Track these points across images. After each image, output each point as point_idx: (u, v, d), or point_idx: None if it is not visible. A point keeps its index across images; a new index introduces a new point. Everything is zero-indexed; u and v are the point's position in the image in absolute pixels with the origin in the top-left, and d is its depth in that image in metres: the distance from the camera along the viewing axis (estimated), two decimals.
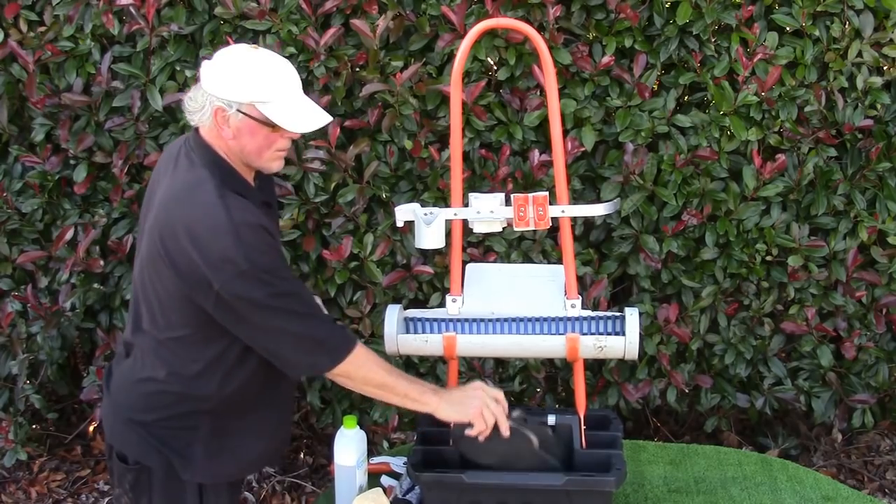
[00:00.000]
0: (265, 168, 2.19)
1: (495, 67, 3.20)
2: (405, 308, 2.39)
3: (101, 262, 3.25)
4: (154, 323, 2.19)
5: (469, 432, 2.24)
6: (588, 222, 3.27)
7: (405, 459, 2.55)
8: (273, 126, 2.10)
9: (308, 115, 2.13)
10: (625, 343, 2.22)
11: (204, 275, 2.04)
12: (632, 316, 2.24)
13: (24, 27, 3.20)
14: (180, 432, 2.23)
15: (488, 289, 2.34)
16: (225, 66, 2.09)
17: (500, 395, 2.26)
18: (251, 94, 2.07)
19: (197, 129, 2.18)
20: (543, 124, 3.10)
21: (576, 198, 3.18)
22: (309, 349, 2.15)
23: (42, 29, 3.20)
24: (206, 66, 2.12)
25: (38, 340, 3.32)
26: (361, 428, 2.45)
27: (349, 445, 2.40)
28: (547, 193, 2.20)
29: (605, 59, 3.09)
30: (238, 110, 2.08)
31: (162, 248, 2.10)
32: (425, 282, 3.22)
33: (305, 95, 2.16)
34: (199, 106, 2.12)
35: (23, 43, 3.19)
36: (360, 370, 2.20)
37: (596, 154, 3.22)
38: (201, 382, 2.19)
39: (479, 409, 2.23)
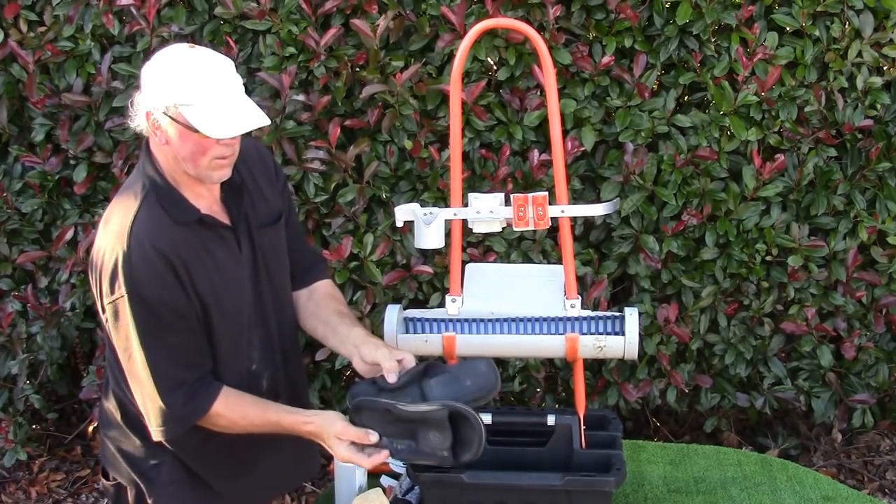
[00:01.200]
0: (205, 178, 2.03)
1: (495, 67, 3.20)
2: (405, 308, 2.39)
3: None
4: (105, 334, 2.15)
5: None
6: (588, 222, 3.27)
7: None
8: (197, 130, 1.94)
9: (232, 119, 1.94)
10: (624, 343, 2.22)
11: (100, 289, 2.01)
12: (631, 316, 2.23)
13: (24, 27, 3.21)
14: (147, 452, 2.16)
15: (488, 289, 2.34)
16: (155, 68, 1.97)
17: (345, 450, 2.03)
18: (174, 96, 1.93)
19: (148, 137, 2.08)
20: (543, 124, 3.10)
21: (576, 198, 3.18)
22: (153, 406, 2.04)
23: (42, 29, 3.21)
24: (144, 67, 2.00)
25: (38, 340, 3.32)
26: None
27: None
28: (546, 193, 2.20)
29: (605, 59, 3.09)
30: (165, 114, 1.95)
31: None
32: (425, 282, 3.22)
33: (246, 96, 2.00)
34: (135, 111, 2.02)
35: (23, 43, 3.19)
36: (219, 428, 2.09)
37: (596, 154, 3.22)
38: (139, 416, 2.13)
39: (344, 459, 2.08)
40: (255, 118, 1.97)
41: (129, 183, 2.09)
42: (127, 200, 2.03)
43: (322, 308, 2.30)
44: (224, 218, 2.11)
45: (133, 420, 2.15)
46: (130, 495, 2.21)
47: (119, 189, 2.13)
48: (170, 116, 1.95)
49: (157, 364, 2.01)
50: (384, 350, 2.12)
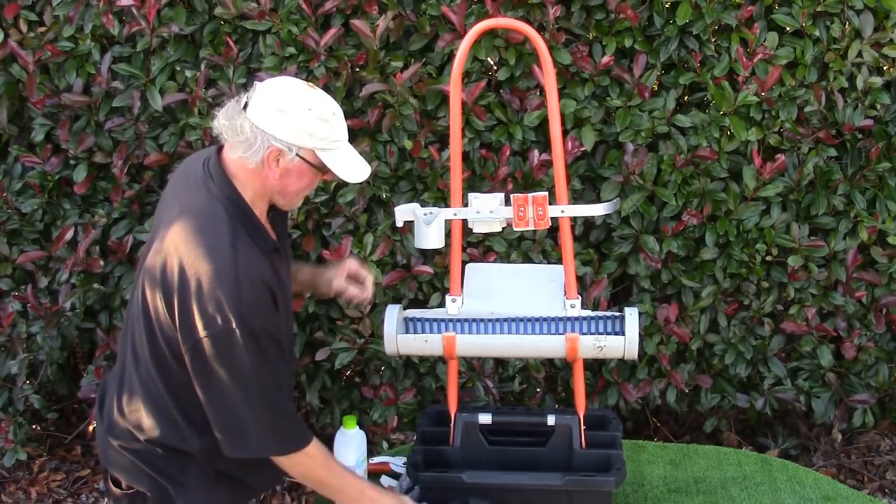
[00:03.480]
0: (290, 206, 2.14)
1: (495, 67, 3.20)
2: (405, 308, 2.39)
3: (101, 263, 3.24)
4: (143, 349, 2.11)
5: None
6: (588, 222, 3.27)
7: (405, 459, 2.55)
8: (325, 171, 2.04)
9: (358, 165, 2.07)
10: (624, 343, 2.22)
11: (191, 319, 1.97)
12: (631, 316, 2.23)
13: (24, 27, 3.20)
14: (174, 455, 2.14)
15: (488, 289, 2.34)
16: (288, 108, 1.98)
17: None
18: (315, 140, 2.00)
19: (219, 152, 2.08)
20: (543, 124, 3.10)
21: (576, 198, 3.18)
22: (262, 430, 2.06)
23: (42, 29, 3.20)
24: (263, 102, 2.00)
25: (38, 340, 3.32)
26: (361, 428, 2.46)
27: (349, 445, 2.41)
28: (546, 193, 2.20)
29: (605, 59, 3.09)
30: (298, 154, 2.00)
31: (161, 278, 2.02)
32: (425, 282, 3.22)
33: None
34: (247, 140, 1.99)
35: (23, 43, 3.19)
36: (298, 468, 2.15)
37: (596, 154, 3.22)
38: (188, 417, 2.11)
39: None
40: (365, 163, 2.09)
41: (205, 204, 2.04)
42: (215, 226, 2.00)
43: None
44: (273, 235, 2.15)
45: (165, 435, 2.12)
46: (152, 502, 2.17)
47: (190, 218, 2.04)
48: (301, 157, 2.01)
49: (269, 392, 2.03)
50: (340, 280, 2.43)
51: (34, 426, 3.69)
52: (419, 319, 2.35)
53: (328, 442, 2.50)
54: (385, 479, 2.53)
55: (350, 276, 2.43)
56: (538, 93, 3.13)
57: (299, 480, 2.24)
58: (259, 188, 2.06)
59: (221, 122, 2.04)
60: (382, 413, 3.28)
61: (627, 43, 3.12)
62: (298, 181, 2.05)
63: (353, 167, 2.07)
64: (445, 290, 2.34)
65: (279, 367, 2.07)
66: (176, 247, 2.02)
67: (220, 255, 1.97)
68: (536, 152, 3.11)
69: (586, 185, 3.23)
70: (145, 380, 2.12)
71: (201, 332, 1.97)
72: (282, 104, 1.99)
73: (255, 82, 2.05)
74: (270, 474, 2.27)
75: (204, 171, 2.08)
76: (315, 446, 2.13)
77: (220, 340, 1.97)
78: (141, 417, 2.14)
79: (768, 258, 3.24)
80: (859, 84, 3.15)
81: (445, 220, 2.24)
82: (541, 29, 3.04)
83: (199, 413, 2.07)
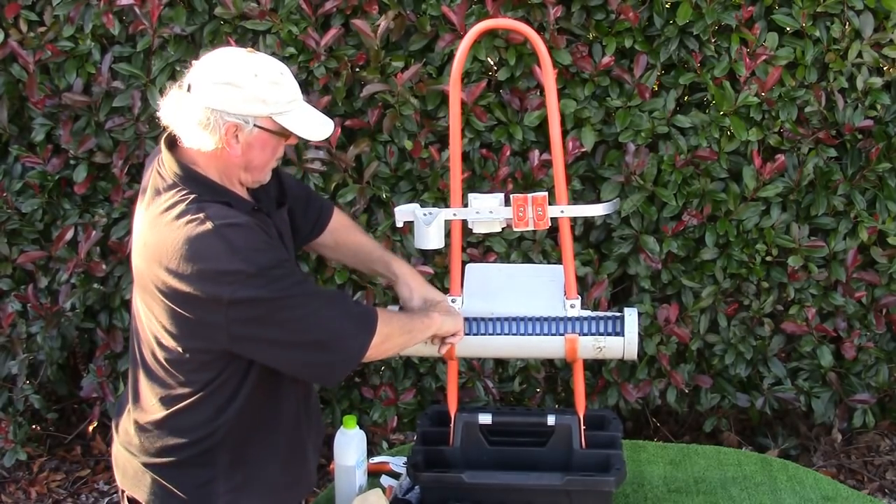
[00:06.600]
0: (259, 181, 2.01)
1: (495, 68, 3.20)
2: None
3: (104, 266, 3.24)
4: (154, 364, 2.03)
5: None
6: (588, 222, 3.27)
7: (405, 459, 2.55)
8: (287, 136, 1.95)
9: (319, 121, 1.99)
10: (623, 343, 2.22)
11: (209, 296, 1.87)
12: (630, 316, 2.23)
13: (24, 27, 3.21)
14: (196, 469, 2.05)
15: (488, 289, 2.34)
16: (234, 79, 1.89)
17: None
18: (270, 106, 1.91)
19: (170, 148, 1.98)
20: (543, 124, 3.10)
21: (576, 198, 3.18)
22: (348, 329, 1.98)
23: (42, 29, 3.21)
24: (206, 78, 1.91)
25: (38, 340, 3.32)
26: (361, 428, 2.46)
27: (349, 445, 2.41)
28: (546, 194, 2.20)
29: (605, 60, 3.09)
30: (255, 125, 1.91)
31: (155, 287, 1.92)
32: None
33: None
34: (199, 122, 1.90)
35: (23, 43, 3.19)
36: (388, 329, 2.07)
37: (596, 154, 3.22)
38: (200, 413, 2.02)
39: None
40: (326, 118, 2.01)
41: (167, 198, 1.95)
42: (181, 207, 1.91)
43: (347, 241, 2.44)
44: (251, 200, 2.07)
45: (185, 445, 2.05)
46: None
47: (152, 219, 1.96)
48: (260, 126, 1.92)
49: (319, 294, 2.03)
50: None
51: (34, 426, 3.69)
52: None
53: (328, 442, 2.51)
54: (385, 479, 2.53)
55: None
56: (538, 93, 3.14)
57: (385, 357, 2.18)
58: (223, 168, 1.97)
59: (168, 110, 1.96)
60: (382, 413, 3.28)
61: (627, 43, 3.12)
62: (262, 152, 1.96)
63: (314, 124, 1.97)
64: (445, 291, 2.33)
65: (307, 279, 2.02)
66: (157, 255, 1.92)
67: (194, 223, 1.88)
68: (536, 152, 3.11)
69: (586, 186, 3.23)
70: (163, 395, 2.04)
71: (226, 299, 1.86)
72: (227, 77, 1.89)
73: (193, 61, 1.97)
74: (295, 473, 2.19)
75: (160, 173, 2.00)
76: (380, 310, 2.07)
77: (249, 291, 1.86)
78: (164, 431, 2.06)
79: (768, 258, 3.24)
80: (859, 84, 3.15)
81: (445, 221, 2.24)
82: (541, 29, 3.04)
83: (228, 404, 2.00)
